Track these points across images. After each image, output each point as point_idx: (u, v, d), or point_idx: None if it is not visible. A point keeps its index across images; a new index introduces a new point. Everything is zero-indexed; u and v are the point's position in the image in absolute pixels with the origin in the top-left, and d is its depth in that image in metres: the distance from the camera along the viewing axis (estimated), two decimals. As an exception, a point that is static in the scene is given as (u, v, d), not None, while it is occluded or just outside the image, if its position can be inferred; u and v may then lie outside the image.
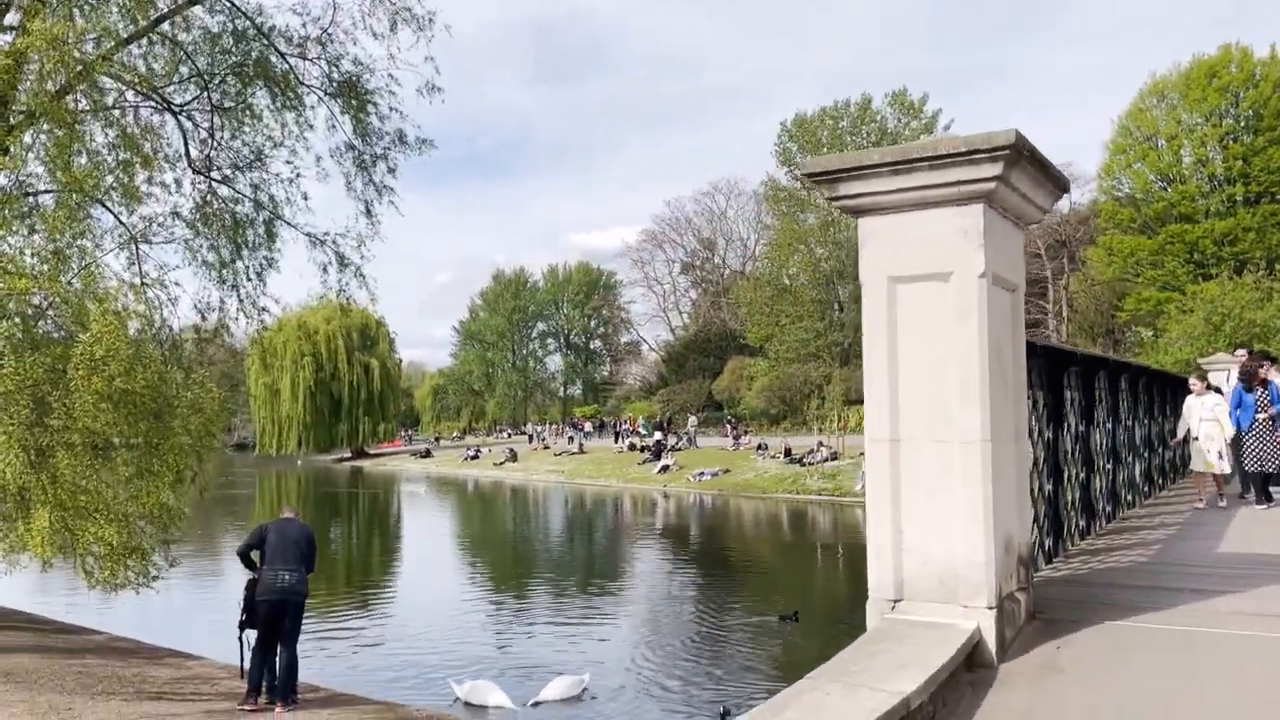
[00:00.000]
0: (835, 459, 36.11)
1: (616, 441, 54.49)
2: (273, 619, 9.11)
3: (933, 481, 5.00)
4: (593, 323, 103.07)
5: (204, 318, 14.81)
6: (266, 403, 70.00)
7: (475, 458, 58.98)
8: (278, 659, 9.09)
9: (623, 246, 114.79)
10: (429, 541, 30.11)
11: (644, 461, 44.41)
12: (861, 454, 35.01)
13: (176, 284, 14.52)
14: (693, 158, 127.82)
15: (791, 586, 19.12)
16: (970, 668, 4.67)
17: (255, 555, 9.18)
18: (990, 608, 4.79)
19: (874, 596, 5.15)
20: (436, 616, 15.93)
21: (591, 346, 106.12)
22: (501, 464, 53.83)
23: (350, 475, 60.41)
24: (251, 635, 9.19)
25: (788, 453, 38.64)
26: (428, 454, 68.08)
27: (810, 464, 36.07)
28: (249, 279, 14.78)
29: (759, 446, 41.73)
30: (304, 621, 9.43)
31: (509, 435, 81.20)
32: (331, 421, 70.37)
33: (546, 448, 58.04)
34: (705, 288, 79.50)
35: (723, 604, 17.05)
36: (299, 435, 69.32)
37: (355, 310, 70.92)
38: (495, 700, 10.04)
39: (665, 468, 41.48)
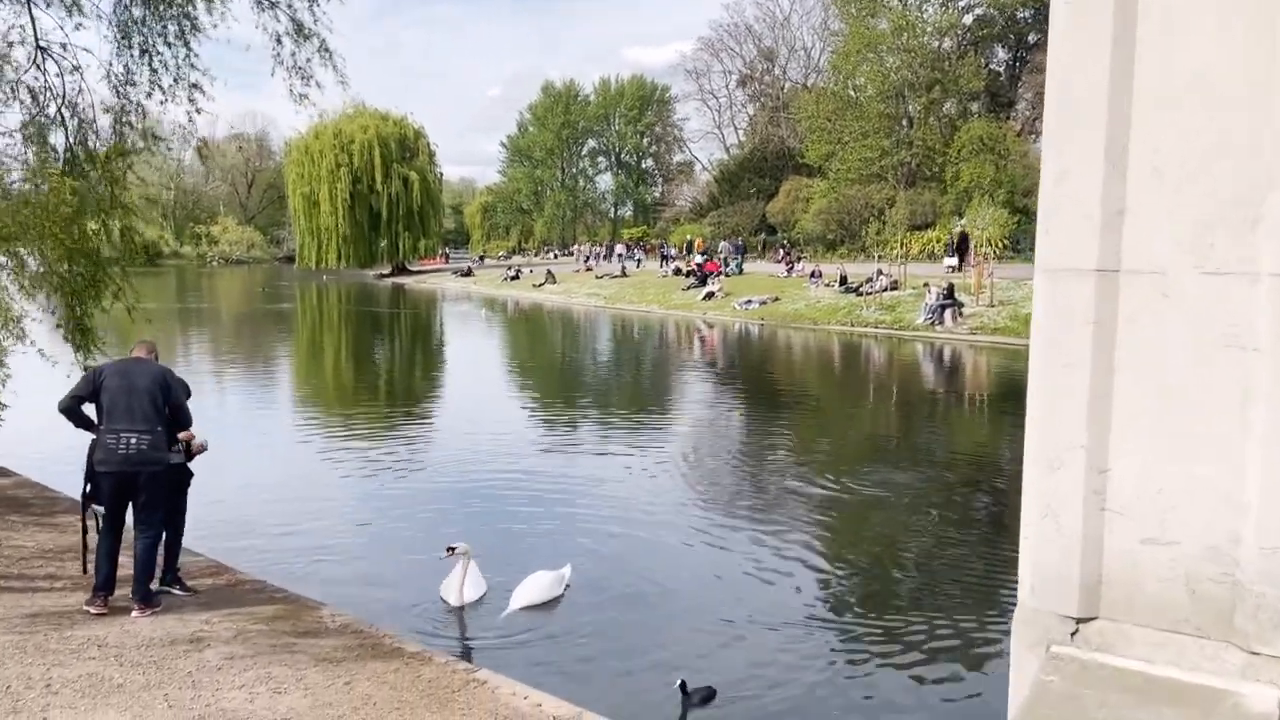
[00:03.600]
0: (895, 288, 32.89)
1: (662, 265, 51.62)
2: (118, 498, 6.68)
3: (1197, 369, 2.15)
4: (645, 140, 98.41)
5: (118, 94, 11.50)
6: (305, 214, 67.75)
7: (516, 278, 56.58)
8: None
9: (678, 58, 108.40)
10: (451, 367, 27.98)
11: (688, 288, 41.57)
12: (925, 284, 31.94)
13: (84, 49, 11.37)
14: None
15: (838, 428, 16.51)
16: None
17: (92, 411, 6.65)
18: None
19: (1029, 606, 2.40)
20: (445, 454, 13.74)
21: (643, 166, 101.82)
22: (540, 285, 51.39)
23: (392, 292, 58.59)
24: (101, 513, 6.79)
25: (843, 281, 35.48)
26: (468, 273, 65.83)
27: (868, 293, 32.94)
28: (167, 43, 11.39)
29: (812, 274, 38.53)
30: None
31: (555, 256, 78.61)
32: (371, 236, 68.06)
33: (589, 270, 55.37)
34: (763, 102, 74.06)
35: (756, 451, 14.57)
36: (338, 249, 67.29)
37: (393, 118, 68.47)
38: (456, 599, 7.69)
39: (710, 294, 38.64)
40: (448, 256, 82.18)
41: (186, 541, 7.70)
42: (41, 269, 10.55)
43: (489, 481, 12.27)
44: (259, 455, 14.15)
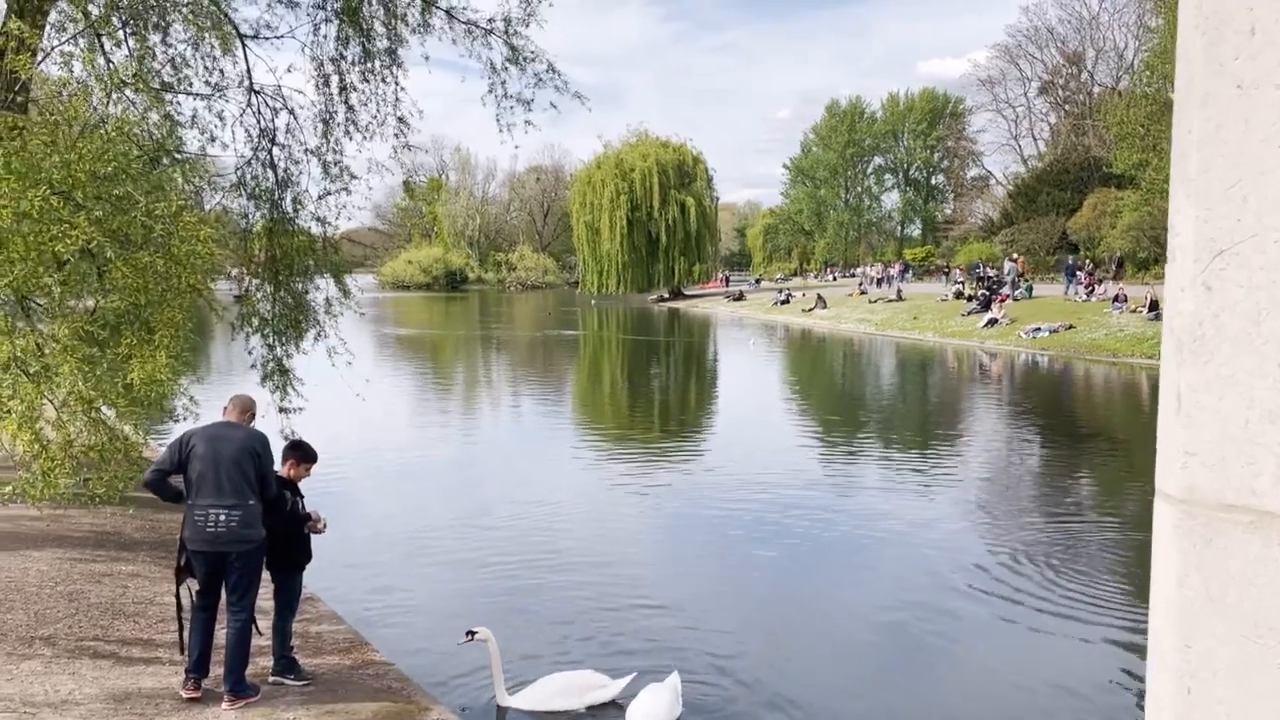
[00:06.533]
0: (1218, 317, 28.05)
1: (960, 283, 47.99)
2: (211, 577, 6.05)
3: None
4: (936, 155, 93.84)
5: (324, 134, 11.46)
6: (588, 242, 70.09)
7: (786, 303, 55.05)
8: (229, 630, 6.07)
9: (972, 67, 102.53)
10: (712, 398, 27.08)
11: (968, 313, 38.15)
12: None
13: (297, 90, 11.42)
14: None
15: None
16: None
17: (178, 482, 6.06)
18: None
19: None
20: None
21: (933, 182, 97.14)
22: (809, 310, 49.51)
23: (667, 317, 59.14)
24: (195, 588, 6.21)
25: (1153, 306, 30.89)
26: (740, 297, 65.09)
27: (1182, 322, 28.32)
28: (365, 78, 11.18)
29: (1116, 298, 33.98)
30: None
31: (835, 278, 76.28)
32: (649, 261, 69.15)
33: (863, 293, 52.75)
34: (1067, 109, 67.88)
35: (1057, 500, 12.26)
36: (618, 275, 68.97)
37: (672, 145, 69.39)
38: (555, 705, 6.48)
39: (992, 321, 35.13)
40: (728, 279, 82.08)
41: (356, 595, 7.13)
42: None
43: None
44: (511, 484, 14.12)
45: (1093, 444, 17.72)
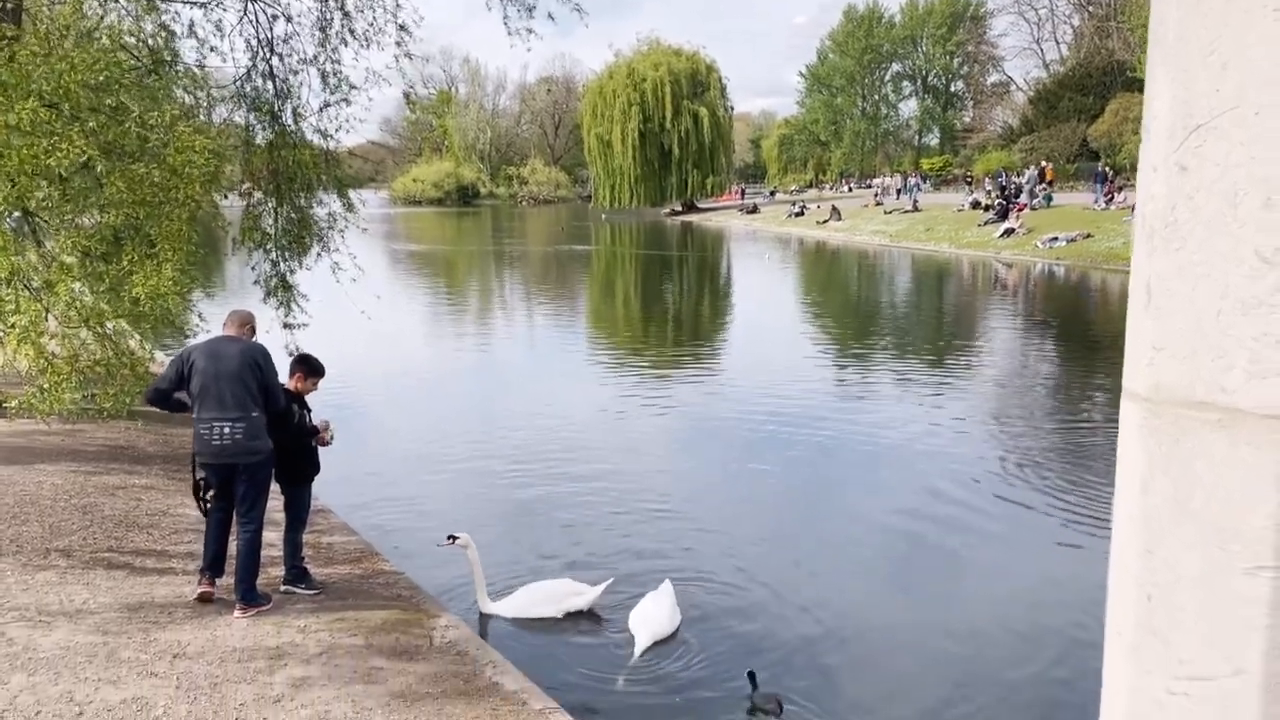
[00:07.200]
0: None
1: (972, 193, 47.21)
2: (222, 485, 6.11)
3: None
4: (955, 61, 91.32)
5: (322, 43, 11.15)
6: (600, 155, 69.08)
7: (800, 215, 54.37)
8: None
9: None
10: (726, 311, 26.94)
11: (985, 223, 37.59)
12: None
13: None
14: None
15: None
16: None
17: (183, 397, 6.07)
18: None
19: None
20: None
21: (952, 89, 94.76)
22: (824, 222, 48.90)
23: (680, 231, 58.58)
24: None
25: (1173, 215, 30.31)
26: (754, 210, 64.29)
27: (1202, 231, 27.84)
28: None
29: (1135, 206, 33.32)
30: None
31: (850, 189, 75.13)
32: (661, 175, 68.20)
33: (879, 204, 51.99)
34: (1090, 11, 65.62)
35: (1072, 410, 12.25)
36: (630, 188, 68.13)
37: (685, 54, 67.75)
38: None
39: (1009, 231, 34.62)
40: (743, 192, 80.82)
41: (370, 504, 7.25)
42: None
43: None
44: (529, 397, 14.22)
45: (1107, 354, 17.56)
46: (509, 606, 6.81)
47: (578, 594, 6.83)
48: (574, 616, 6.87)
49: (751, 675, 5.68)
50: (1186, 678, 1.04)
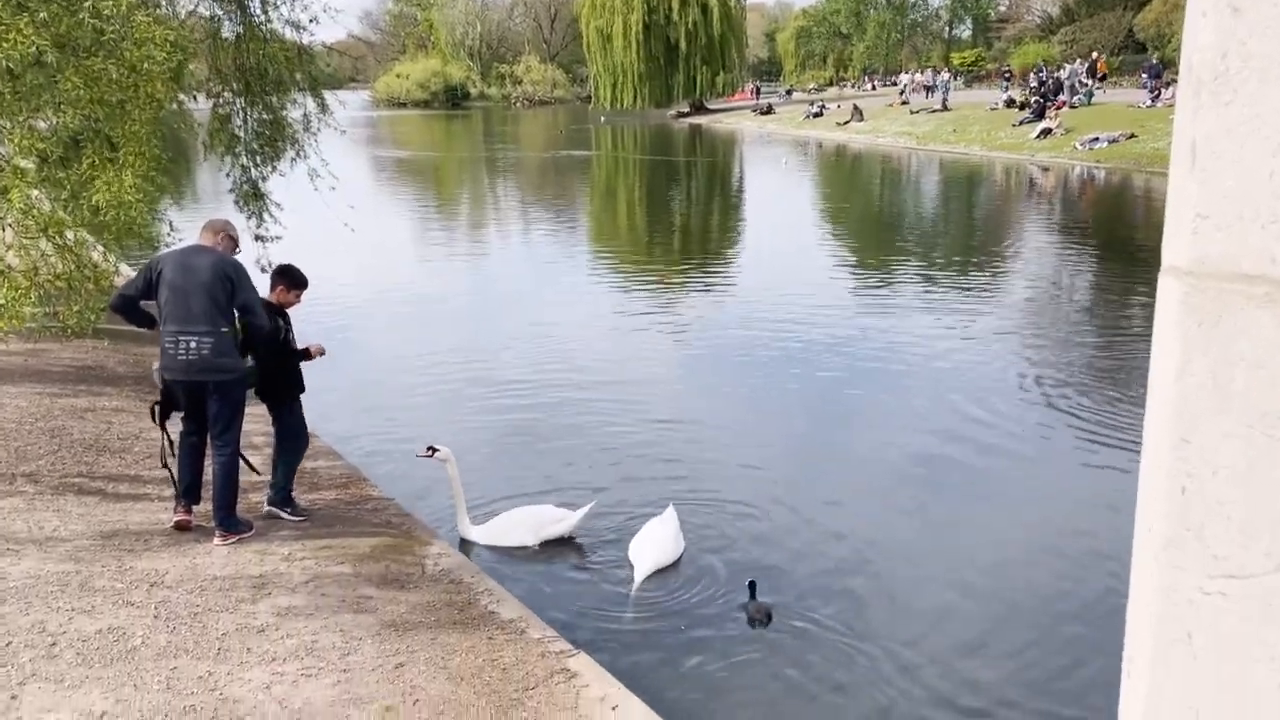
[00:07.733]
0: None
1: (1007, 90, 46.38)
2: (192, 405, 6.14)
3: None
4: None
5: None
6: (600, 50, 67.79)
7: (819, 115, 53.55)
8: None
9: None
10: (737, 225, 26.72)
11: (1020, 123, 37.00)
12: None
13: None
14: None
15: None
16: None
17: (151, 308, 6.04)
18: None
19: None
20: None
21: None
22: (845, 124, 48.18)
23: (688, 135, 57.80)
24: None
25: (1226, 113, 29.78)
26: (769, 110, 63.28)
27: (1257, 129, 27.40)
28: None
29: (1185, 103, 32.74)
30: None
31: (874, 88, 73.81)
32: (668, 72, 67.03)
33: (905, 103, 51.14)
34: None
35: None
36: (634, 88, 66.99)
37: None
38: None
39: (1046, 131, 34.10)
40: (757, 91, 79.32)
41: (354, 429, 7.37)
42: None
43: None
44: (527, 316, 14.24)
45: (1147, 264, 17.44)
46: (488, 533, 6.90)
47: (558, 520, 6.91)
48: (571, 543, 6.96)
49: (752, 585, 5.98)
50: (1223, 575, 1.04)
